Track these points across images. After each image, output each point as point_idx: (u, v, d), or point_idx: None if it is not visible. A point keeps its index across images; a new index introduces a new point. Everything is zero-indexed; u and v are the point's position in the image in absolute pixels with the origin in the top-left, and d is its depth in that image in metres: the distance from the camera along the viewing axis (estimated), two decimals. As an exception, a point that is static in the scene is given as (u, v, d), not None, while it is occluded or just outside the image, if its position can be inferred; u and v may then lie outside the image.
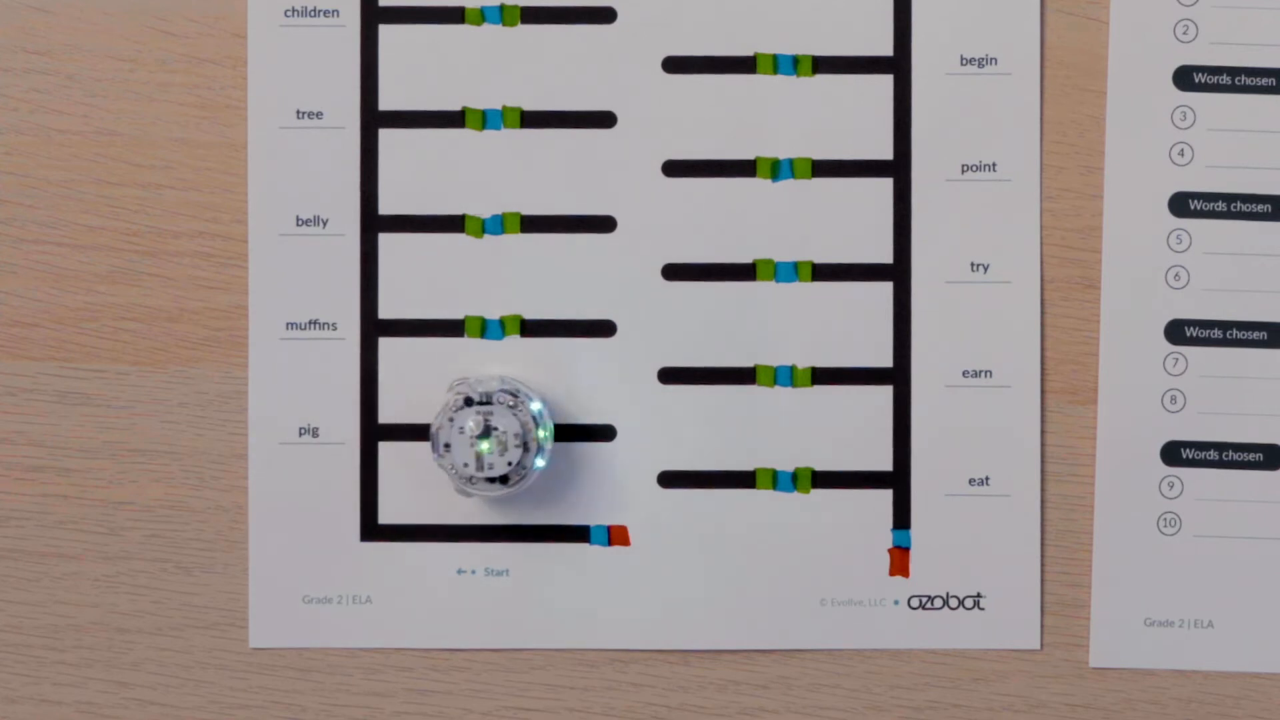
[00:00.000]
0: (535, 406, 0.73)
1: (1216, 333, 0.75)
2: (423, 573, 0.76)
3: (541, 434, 0.73)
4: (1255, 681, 0.75)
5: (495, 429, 0.72)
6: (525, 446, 0.72)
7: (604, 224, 0.75)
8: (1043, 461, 0.75)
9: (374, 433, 0.75)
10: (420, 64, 0.75)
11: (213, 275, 0.76)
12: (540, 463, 0.73)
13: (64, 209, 0.76)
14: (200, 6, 0.75)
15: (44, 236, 0.76)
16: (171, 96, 0.76)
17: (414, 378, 0.75)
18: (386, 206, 0.75)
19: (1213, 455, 0.75)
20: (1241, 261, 0.75)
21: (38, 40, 0.76)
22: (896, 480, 0.75)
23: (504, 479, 0.72)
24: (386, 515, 0.76)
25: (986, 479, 0.75)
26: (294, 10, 0.75)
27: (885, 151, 0.75)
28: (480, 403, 0.72)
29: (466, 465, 0.72)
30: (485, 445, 0.72)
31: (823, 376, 0.75)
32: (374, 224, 0.75)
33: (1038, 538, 0.75)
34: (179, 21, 0.75)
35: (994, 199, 0.75)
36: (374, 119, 0.75)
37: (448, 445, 0.72)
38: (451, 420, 0.72)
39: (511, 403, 0.72)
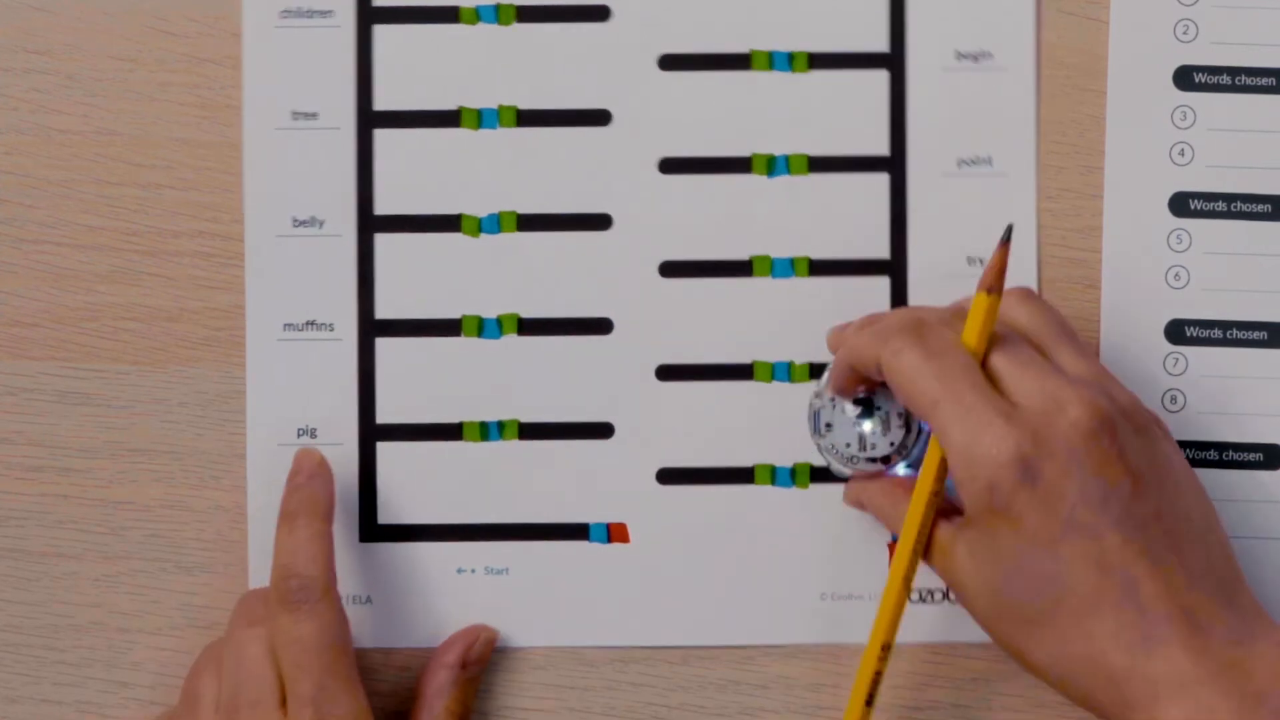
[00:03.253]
0: None
1: (1217, 333, 0.75)
2: (422, 572, 0.76)
3: None
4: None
5: (879, 408, 0.71)
6: (908, 426, 0.71)
7: (600, 222, 0.75)
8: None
9: (372, 433, 0.75)
10: (415, 64, 0.75)
11: (212, 275, 0.76)
12: (922, 442, 0.71)
13: (64, 209, 0.76)
14: (199, 6, 0.76)
15: (44, 236, 0.76)
16: (171, 96, 0.76)
17: (411, 378, 0.75)
18: (382, 207, 0.75)
19: (1213, 455, 0.74)
20: (1241, 261, 0.74)
21: (38, 40, 0.76)
22: (894, 479, 0.75)
23: (885, 459, 0.71)
24: (385, 515, 0.76)
25: (985, 478, 0.75)
26: (289, 11, 0.75)
27: (881, 147, 0.75)
28: None
29: (849, 445, 0.71)
30: (868, 425, 0.71)
31: (821, 373, 0.75)
32: (370, 224, 0.75)
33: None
34: (178, 21, 0.76)
35: (990, 193, 0.75)
36: (369, 119, 0.75)
37: (829, 425, 0.71)
38: (834, 400, 0.72)
39: None
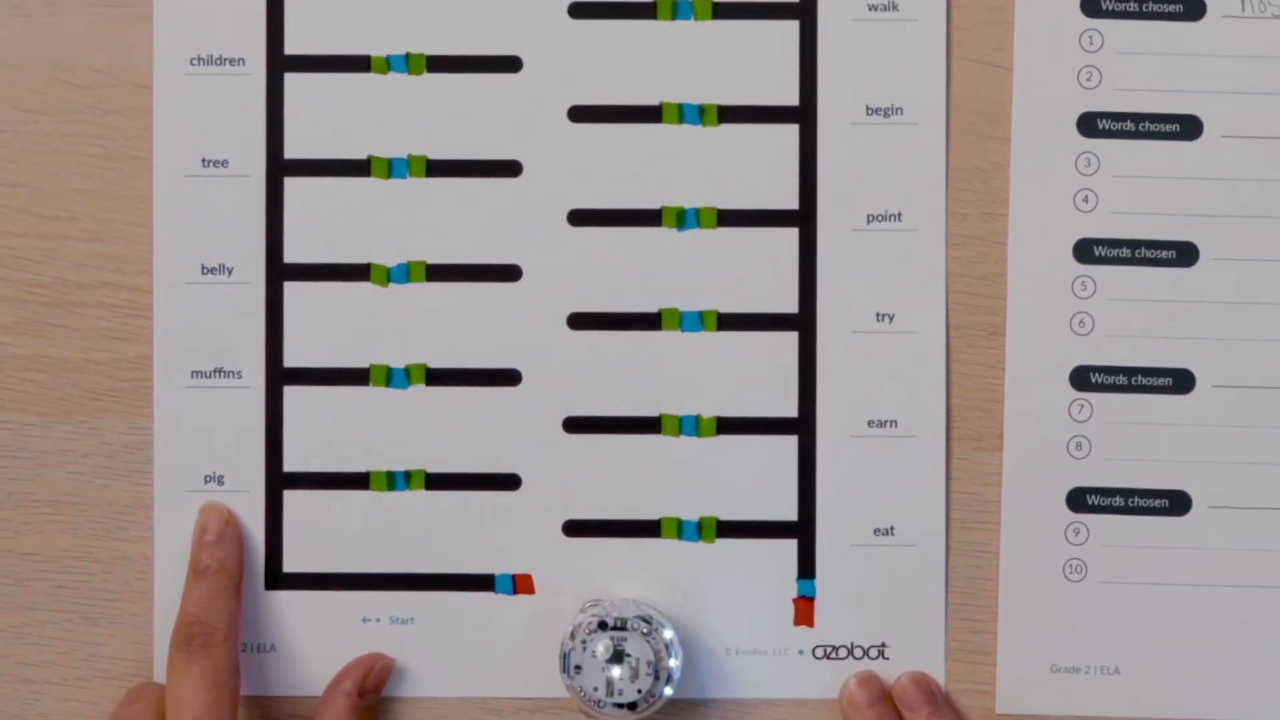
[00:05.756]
0: (668, 634, 0.73)
1: (1121, 379, 0.75)
2: (327, 621, 0.75)
3: (673, 662, 0.72)
4: (1163, 728, 0.75)
5: (628, 655, 0.72)
6: (656, 675, 0.72)
7: (509, 273, 0.75)
8: (948, 510, 0.75)
9: (279, 481, 0.75)
10: (326, 112, 0.75)
11: (118, 326, 0.76)
12: (669, 691, 0.73)
13: (-30, 259, 0.76)
14: (104, 57, 0.75)
15: (-50, 286, 0.76)
16: (76, 147, 0.76)
17: (319, 426, 0.75)
18: (292, 255, 0.75)
19: (1118, 501, 0.75)
20: (1145, 308, 0.75)
21: (-57, 91, 0.76)
22: (802, 530, 0.75)
23: (632, 705, 0.72)
24: (291, 563, 0.75)
25: (891, 529, 0.75)
26: (200, 59, 0.75)
27: (791, 201, 0.75)
28: (615, 627, 0.72)
29: (596, 689, 0.72)
30: (617, 671, 0.72)
31: (728, 426, 0.75)
32: (279, 272, 0.75)
33: (943, 586, 0.75)
34: (83, 72, 0.75)
35: (899, 248, 0.75)
36: (279, 167, 0.75)
37: (578, 667, 0.72)
38: (585, 643, 0.72)
39: (646, 629, 0.72)
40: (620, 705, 0.72)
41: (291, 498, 0.75)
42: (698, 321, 0.75)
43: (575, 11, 0.75)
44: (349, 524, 0.75)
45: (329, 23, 0.75)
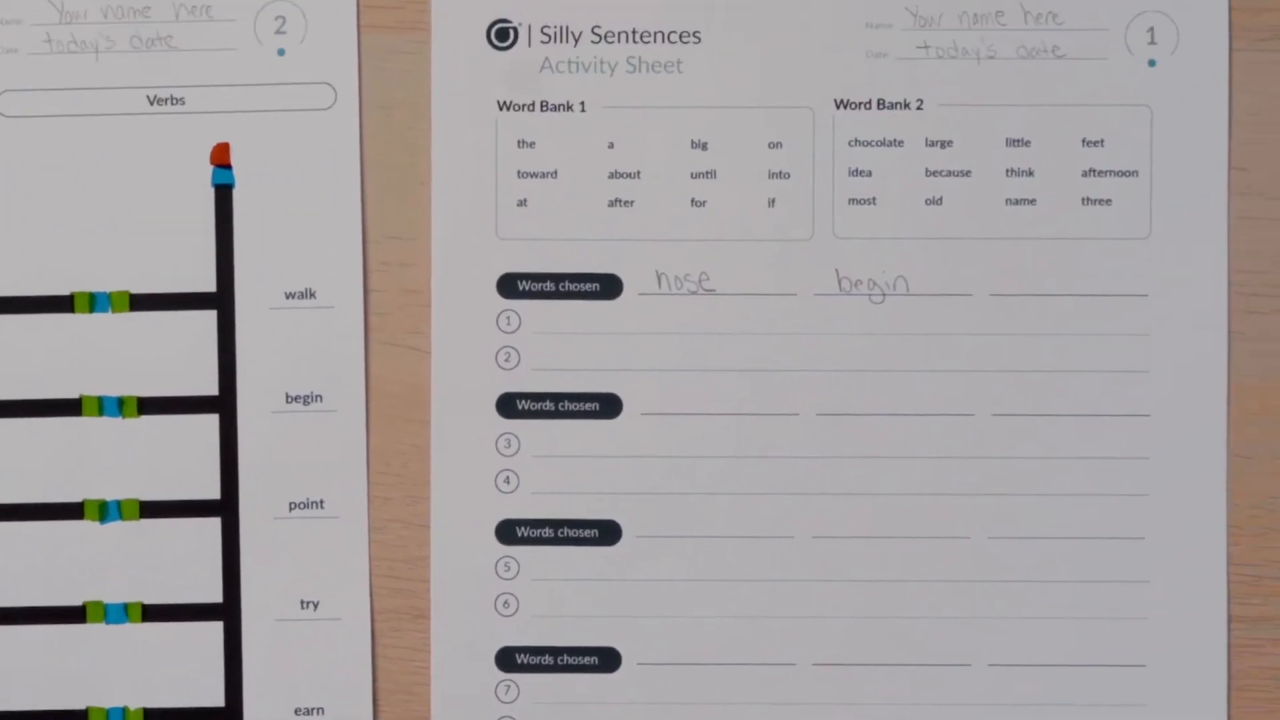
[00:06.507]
0: None
1: (547, 658, 0.75)
2: None
3: None
4: None
5: None
6: None
7: (-75, 575, 0.75)
8: (373, 797, 0.75)
9: None
10: None
11: None
12: None
13: None
14: None
15: None
16: None
17: None
18: None
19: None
20: (571, 586, 0.75)
21: None
22: (224, 824, 0.75)
23: None
24: None
25: (315, 821, 0.75)
26: None
27: (213, 491, 0.75)
28: None
29: None
30: None
31: (155, 717, 0.75)
32: None
33: None
34: None
35: (322, 536, 0.75)
36: None
37: None
38: None
39: None
40: None
41: None
42: (123, 614, 0.75)
43: (-9, 308, 0.75)
44: None
45: None
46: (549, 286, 0.75)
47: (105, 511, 0.75)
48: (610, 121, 0.75)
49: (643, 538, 0.75)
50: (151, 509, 0.75)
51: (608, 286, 0.75)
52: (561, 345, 0.75)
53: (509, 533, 0.75)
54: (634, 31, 0.75)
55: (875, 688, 0.75)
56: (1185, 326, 0.75)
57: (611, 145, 0.75)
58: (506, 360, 0.75)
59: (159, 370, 0.75)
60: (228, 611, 0.75)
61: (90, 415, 0.75)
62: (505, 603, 0.75)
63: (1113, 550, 0.75)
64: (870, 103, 0.75)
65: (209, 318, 0.75)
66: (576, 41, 0.75)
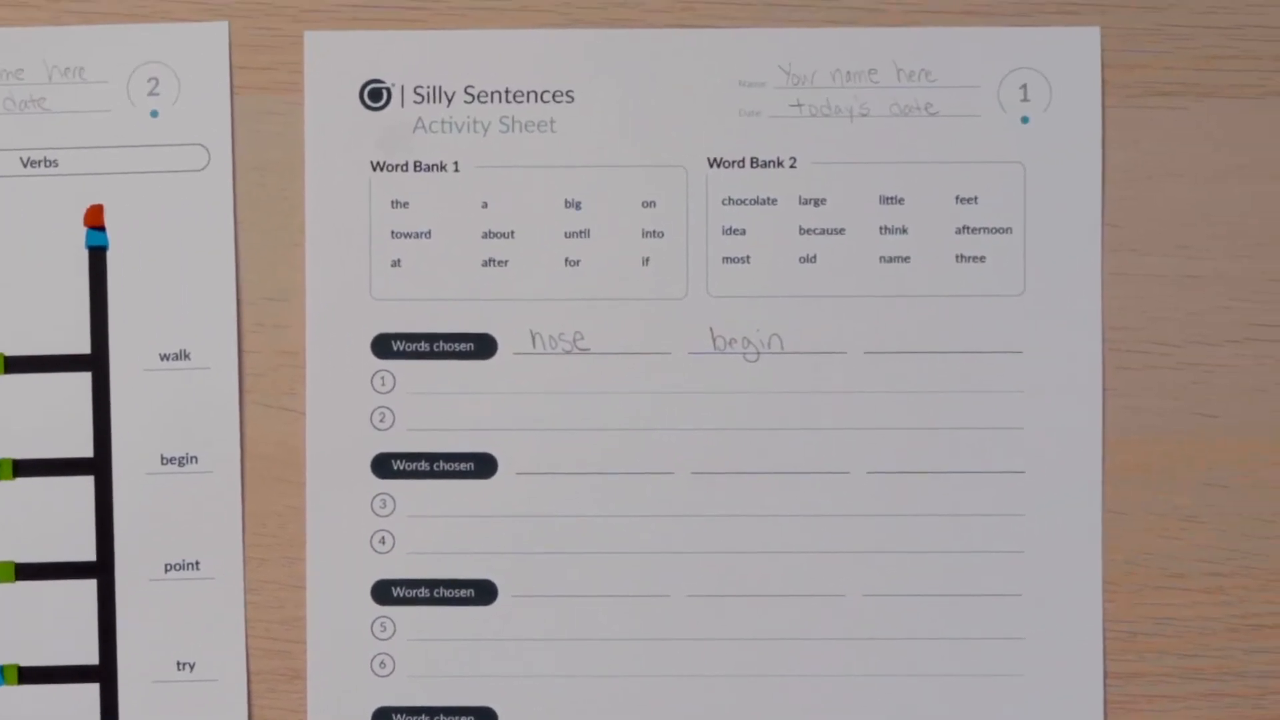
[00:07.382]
0: None
1: (424, 718, 0.75)
2: None
3: None
4: None
5: None
6: None
7: None
8: None
9: None
10: None
11: None
12: None
13: None
14: None
15: None
16: None
17: None
18: None
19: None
20: (447, 647, 0.75)
21: None
22: None
23: None
24: None
25: None
26: None
27: (89, 553, 0.75)
28: None
29: None
30: None
31: (31, 782, 0.75)
32: None
33: None
34: None
35: (198, 597, 0.75)
36: None
37: None
38: None
39: None
40: None
41: None
42: (1, 677, 0.75)
43: None
44: None
45: None
46: (424, 347, 0.75)
47: (-20, 574, 0.75)
48: (484, 181, 0.75)
49: (518, 597, 0.75)
50: (27, 571, 0.75)
51: (482, 346, 0.75)
52: (436, 405, 0.75)
53: (385, 593, 0.75)
54: (507, 91, 0.75)
55: (752, 745, 0.75)
56: (1060, 383, 0.75)
57: (485, 205, 0.75)
58: (381, 421, 0.76)
59: (34, 432, 0.75)
60: (104, 673, 0.75)
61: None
62: (381, 663, 0.76)
63: (988, 607, 0.75)
64: (743, 161, 0.75)
65: (84, 380, 0.75)
66: (450, 101, 0.75)
